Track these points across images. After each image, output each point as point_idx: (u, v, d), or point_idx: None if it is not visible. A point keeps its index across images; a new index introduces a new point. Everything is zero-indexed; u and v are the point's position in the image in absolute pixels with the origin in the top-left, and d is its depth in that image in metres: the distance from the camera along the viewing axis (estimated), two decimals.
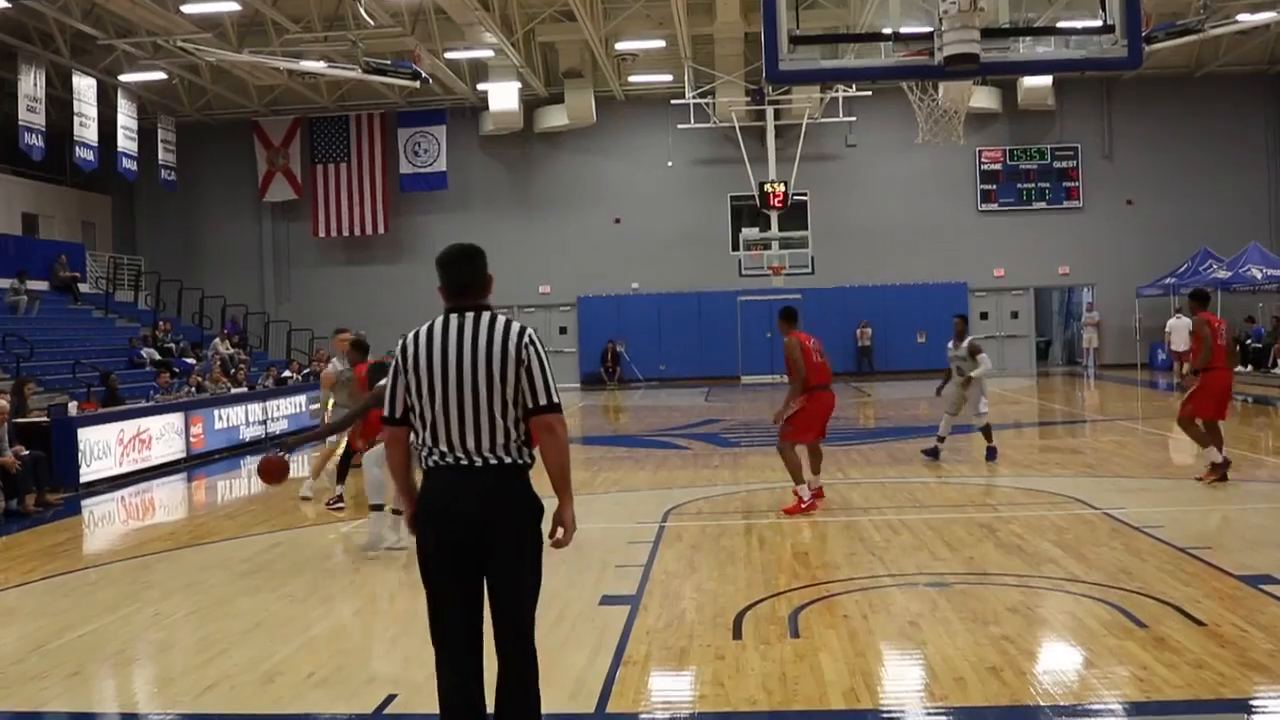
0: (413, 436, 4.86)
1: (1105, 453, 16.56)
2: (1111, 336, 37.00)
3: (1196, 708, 5.76)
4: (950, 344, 15.79)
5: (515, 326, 4.77)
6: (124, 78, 31.16)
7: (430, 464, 4.74)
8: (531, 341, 4.74)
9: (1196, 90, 36.53)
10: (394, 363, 4.86)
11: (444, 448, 4.70)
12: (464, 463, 4.68)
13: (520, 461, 4.72)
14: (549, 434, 4.76)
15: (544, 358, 4.75)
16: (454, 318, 4.79)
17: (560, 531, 4.87)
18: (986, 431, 15.42)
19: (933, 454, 15.69)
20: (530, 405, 4.71)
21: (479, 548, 4.69)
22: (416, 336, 4.81)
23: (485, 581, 4.78)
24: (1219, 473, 12.43)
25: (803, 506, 11.57)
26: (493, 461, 4.68)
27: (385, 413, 4.85)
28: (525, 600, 4.85)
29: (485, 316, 4.79)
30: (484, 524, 4.66)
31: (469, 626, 4.79)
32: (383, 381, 8.15)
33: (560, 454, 4.79)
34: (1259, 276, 30.36)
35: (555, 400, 4.72)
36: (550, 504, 4.83)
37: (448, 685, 4.86)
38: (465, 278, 4.88)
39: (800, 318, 12.53)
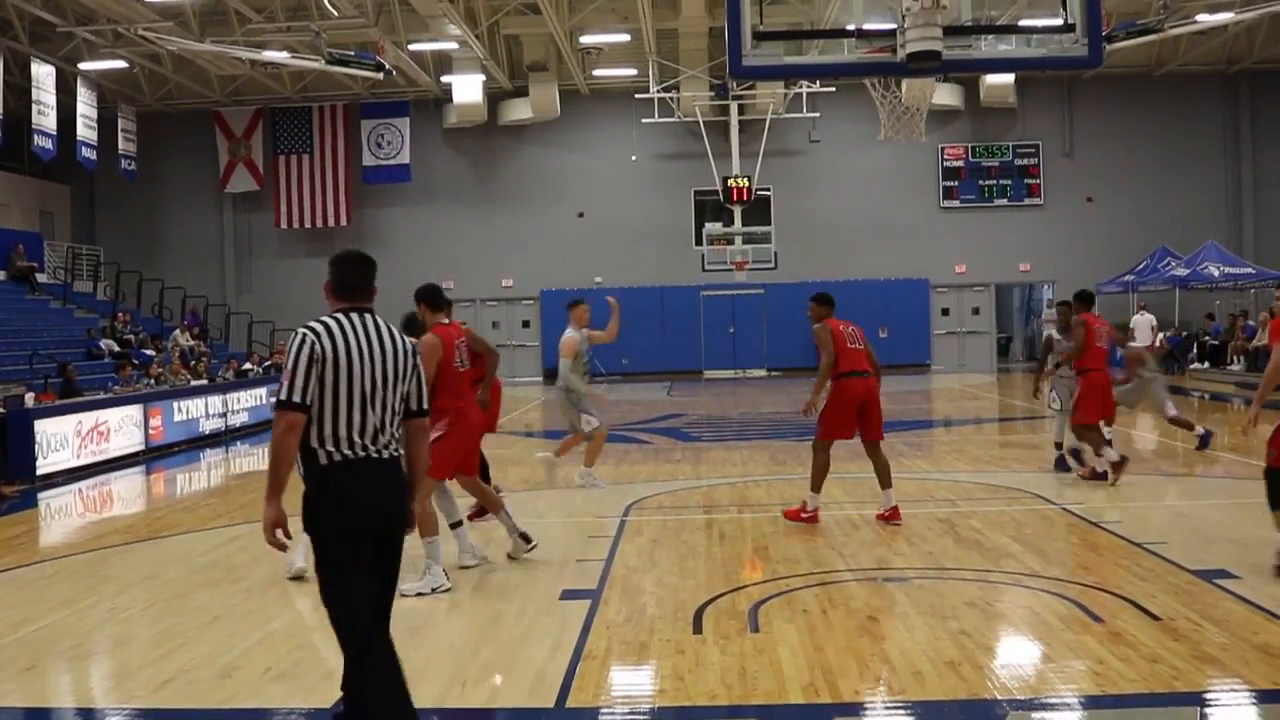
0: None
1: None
2: None
3: (1151, 701, 5.81)
4: (1055, 333, 14.35)
5: (400, 333, 5.24)
6: (84, 66, 30.85)
7: (338, 457, 4.94)
8: (415, 348, 5.28)
9: (1156, 89, 36.86)
10: (306, 351, 4.94)
11: (355, 438, 4.97)
12: (373, 455, 5.00)
13: (401, 454, 5.17)
14: (425, 435, 5.32)
15: (420, 365, 5.30)
16: (355, 316, 5.11)
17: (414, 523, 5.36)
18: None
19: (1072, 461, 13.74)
20: (414, 408, 5.21)
21: (381, 535, 5.04)
22: (329, 329, 5.01)
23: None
24: (1120, 471, 12.38)
25: (804, 516, 10.73)
26: (395, 454, 5.10)
27: (296, 398, 4.90)
28: (396, 585, 5.26)
29: (381, 320, 5.21)
30: (390, 512, 5.05)
31: (378, 608, 5.10)
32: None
33: (425, 455, 5.35)
34: (1216, 274, 30.71)
35: (429, 405, 5.32)
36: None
37: (372, 663, 5.05)
38: (359, 278, 5.24)
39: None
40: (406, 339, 5.24)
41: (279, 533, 4.98)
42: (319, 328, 5.00)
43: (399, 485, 5.09)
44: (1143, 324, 28.24)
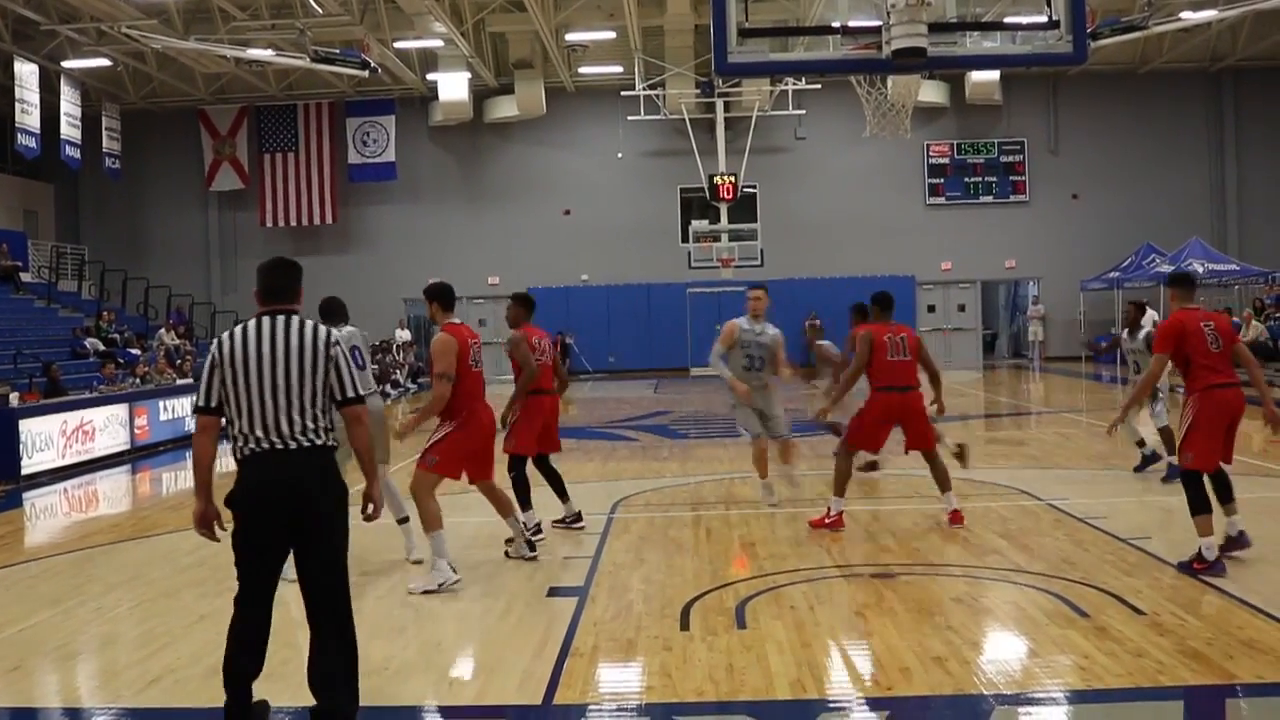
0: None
1: (1049, 445, 16.74)
2: (1057, 330, 37.38)
3: (1136, 695, 5.84)
4: (1124, 334, 13.58)
5: (323, 329, 5.52)
6: (67, 64, 30.72)
7: (247, 451, 5.36)
8: (336, 343, 5.51)
9: (1140, 86, 36.96)
10: (209, 358, 5.49)
11: (260, 433, 5.33)
12: (279, 446, 5.33)
13: (325, 444, 5.41)
14: (357, 423, 5.53)
15: (348, 358, 5.53)
16: (266, 320, 5.47)
17: (370, 507, 5.65)
18: (1165, 436, 12.69)
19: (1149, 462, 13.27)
20: (339, 398, 5.47)
21: (292, 525, 5.33)
22: (233, 335, 5.47)
23: (298, 557, 5.45)
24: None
25: (827, 522, 10.28)
26: (307, 444, 5.35)
27: (200, 402, 5.48)
28: (340, 574, 5.52)
29: (295, 319, 5.50)
30: (299, 501, 5.32)
31: (266, 593, 5.48)
32: None
33: (365, 439, 5.55)
34: (1201, 271, 30.77)
35: (361, 393, 5.55)
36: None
37: (238, 624, 5.50)
38: (279, 283, 5.59)
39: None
40: (321, 334, 5.49)
41: (215, 527, 5.53)
42: (224, 335, 5.48)
43: (311, 473, 5.36)
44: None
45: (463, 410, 8.73)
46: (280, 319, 5.47)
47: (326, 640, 5.46)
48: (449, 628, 7.69)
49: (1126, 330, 13.58)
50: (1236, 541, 8.54)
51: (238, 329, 5.47)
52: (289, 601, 8.25)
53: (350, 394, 5.48)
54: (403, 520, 9.45)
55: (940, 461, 10.56)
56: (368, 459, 5.58)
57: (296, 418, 5.34)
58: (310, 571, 5.44)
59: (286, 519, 5.32)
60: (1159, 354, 8.63)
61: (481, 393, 8.97)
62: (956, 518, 10.20)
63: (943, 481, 10.44)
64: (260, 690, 6.32)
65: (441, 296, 9.05)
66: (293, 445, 5.34)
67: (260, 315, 5.49)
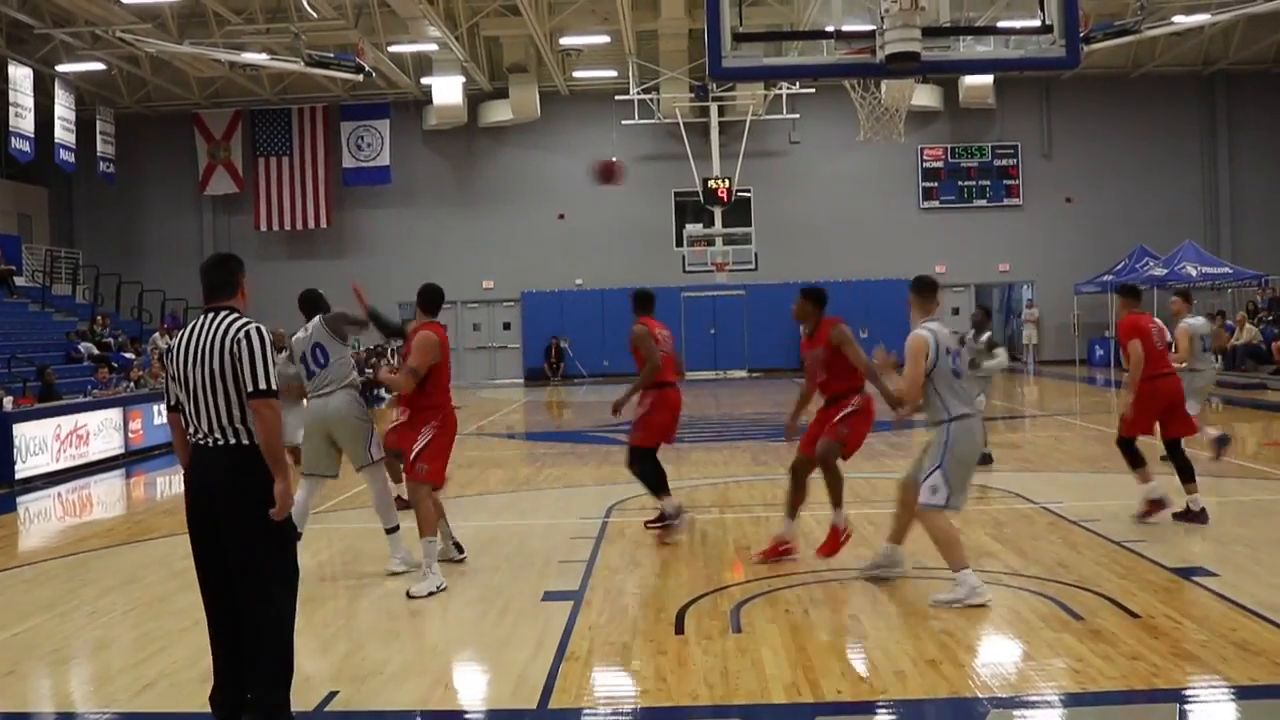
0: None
1: (1043, 448, 16.77)
2: (1050, 333, 37.44)
3: (1131, 698, 5.85)
4: (970, 335, 14.15)
5: (238, 323, 5.45)
6: (62, 68, 30.73)
7: (192, 446, 5.50)
8: (246, 336, 5.40)
9: (1133, 90, 37.03)
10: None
11: (193, 429, 5.46)
12: (204, 443, 5.42)
13: (245, 442, 5.40)
14: (257, 416, 5.39)
15: (258, 350, 5.39)
16: (201, 317, 5.53)
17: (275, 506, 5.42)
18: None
19: None
20: (248, 390, 5.37)
21: (216, 519, 5.39)
22: (178, 335, 5.62)
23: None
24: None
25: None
26: (222, 441, 5.39)
27: (167, 400, 5.70)
28: (261, 573, 5.43)
29: (220, 314, 5.50)
30: (215, 497, 5.37)
31: (220, 590, 5.49)
32: None
33: (268, 434, 5.37)
34: (1194, 274, 30.80)
35: (263, 386, 5.37)
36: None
37: (213, 628, 5.56)
38: (213, 280, 5.62)
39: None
40: (231, 329, 5.41)
41: None
42: (176, 333, 5.50)
43: (226, 471, 5.37)
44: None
45: (441, 409, 8.80)
46: (209, 315, 5.52)
47: (248, 644, 5.43)
48: (444, 632, 7.69)
49: (973, 331, 14.40)
50: (1197, 516, 10.11)
51: (184, 328, 5.61)
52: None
53: (251, 387, 5.35)
54: (391, 530, 9.36)
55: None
56: (272, 455, 5.38)
57: (213, 415, 5.38)
58: (213, 582, 5.50)
59: (207, 512, 5.41)
60: (1132, 343, 10.26)
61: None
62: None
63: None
64: None
65: (421, 299, 9.18)
66: (209, 443, 5.40)
67: (203, 312, 5.57)
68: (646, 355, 10.37)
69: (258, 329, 5.44)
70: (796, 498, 9.37)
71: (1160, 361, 10.44)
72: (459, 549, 9.46)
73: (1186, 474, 10.32)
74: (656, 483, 10.41)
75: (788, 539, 9.31)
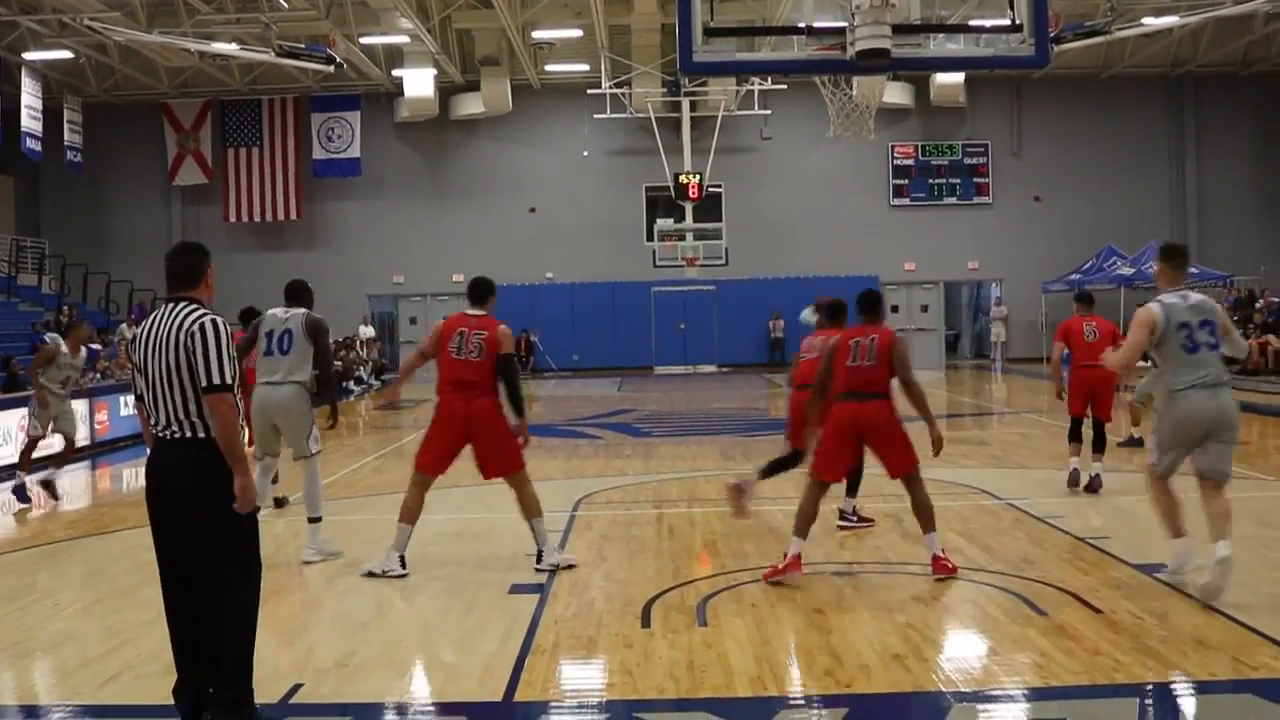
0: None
1: (1010, 445, 16.88)
2: (1018, 331, 37.65)
3: (1093, 692, 5.90)
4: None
5: (193, 315, 5.33)
6: (28, 56, 30.39)
7: (155, 439, 5.43)
8: (201, 329, 5.27)
9: (1103, 91, 37.28)
10: None
11: (154, 421, 5.39)
12: (163, 435, 5.35)
13: (202, 436, 5.29)
14: (213, 411, 5.25)
15: (212, 343, 5.26)
16: (162, 308, 5.46)
17: (236, 502, 5.30)
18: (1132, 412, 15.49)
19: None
20: (203, 384, 5.24)
21: (174, 512, 5.30)
22: (141, 326, 5.53)
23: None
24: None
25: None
26: (179, 435, 5.30)
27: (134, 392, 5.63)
28: (221, 567, 5.32)
29: (179, 305, 5.40)
30: (173, 490, 5.30)
31: (179, 585, 5.40)
32: None
33: (223, 428, 5.25)
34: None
35: (217, 381, 5.23)
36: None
37: (173, 622, 5.47)
38: (175, 270, 5.54)
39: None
40: (186, 321, 5.31)
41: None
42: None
43: (184, 465, 5.28)
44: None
45: (438, 400, 8.86)
46: (168, 306, 5.43)
47: (208, 643, 5.35)
48: (410, 625, 7.68)
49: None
50: (1090, 484, 11.82)
51: (146, 319, 5.53)
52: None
53: (205, 381, 5.23)
54: (314, 519, 9.54)
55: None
56: (230, 450, 5.25)
57: (170, 408, 5.30)
58: (171, 576, 5.42)
59: (165, 506, 5.34)
60: (1056, 342, 12.58)
61: (455, 380, 8.77)
62: (940, 566, 8.35)
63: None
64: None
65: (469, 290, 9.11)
66: (167, 436, 5.33)
67: (165, 303, 5.50)
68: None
69: (213, 321, 5.32)
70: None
71: (1088, 354, 11.99)
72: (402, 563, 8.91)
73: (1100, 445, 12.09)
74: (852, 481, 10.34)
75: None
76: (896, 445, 8.56)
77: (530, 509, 8.97)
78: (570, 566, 8.86)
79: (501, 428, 8.78)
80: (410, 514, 8.77)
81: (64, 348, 13.54)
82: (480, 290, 9.02)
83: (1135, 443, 14.85)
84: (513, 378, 8.90)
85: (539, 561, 8.91)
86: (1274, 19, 30.70)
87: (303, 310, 9.72)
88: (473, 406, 8.70)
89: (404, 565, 8.73)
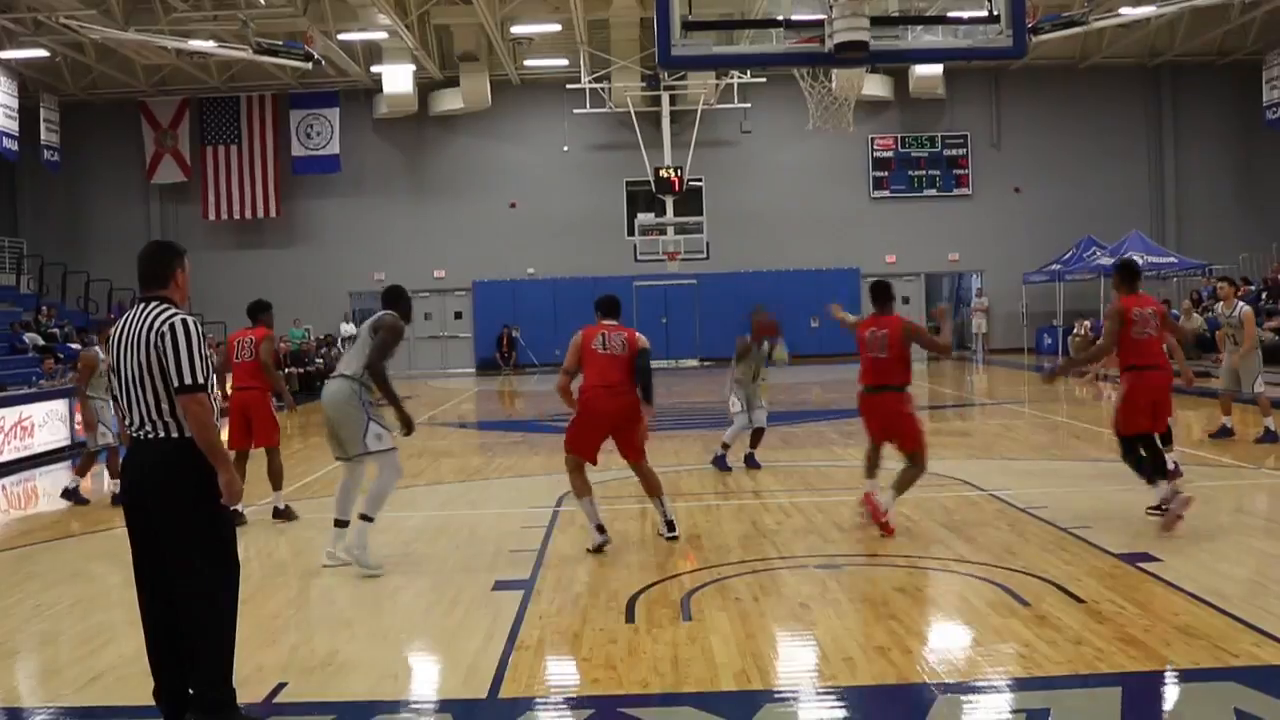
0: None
1: (992, 435, 16.91)
2: (1000, 322, 37.77)
3: (1076, 682, 5.91)
4: (1220, 307, 14.45)
5: (164, 315, 5.31)
6: (4, 55, 30.18)
7: (130, 436, 5.42)
8: (171, 329, 5.25)
9: (1081, 81, 37.40)
10: None
11: (128, 421, 5.38)
12: (138, 435, 5.33)
13: (175, 435, 5.28)
14: (186, 411, 5.25)
15: (183, 343, 5.24)
16: (134, 308, 5.45)
17: (224, 497, 5.32)
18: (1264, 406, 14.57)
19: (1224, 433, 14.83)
20: (174, 385, 5.22)
21: (149, 512, 5.28)
22: (115, 326, 5.51)
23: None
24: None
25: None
26: (153, 435, 5.29)
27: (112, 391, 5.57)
28: (197, 567, 5.28)
29: (150, 305, 5.38)
30: (145, 491, 5.28)
31: (154, 584, 5.37)
32: None
33: (200, 429, 5.24)
34: (1141, 263, 31.09)
35: (188, 381, 5.22)
36: None
37: (149, 623, 5.47)
38: (146, 269, 5.50)
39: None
40: (158, 320, 5.28)
41: None
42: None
43: (158, 465, 5.26)
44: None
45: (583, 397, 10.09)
46: (140, 306, 5.42)
47: (186, 648, 5.34)
48: (394, 622, 7.66)
49: (1221, 304, 15.38)
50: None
51: (120, 319, 5.51)
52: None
53: (177, 381, 5.22)
54: (340, 523, 9.17)
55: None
56: (208, 448, 5.25)
57: (144, 408, 5.27)
58: (147, 576, 5.38)
59: (138, 505, 5.31)
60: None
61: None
62: (875, 514, 9.70)
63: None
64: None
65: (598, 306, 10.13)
66: (142, 436, 5.31)
67: (136, 302, 5.50)
68: (1106, 333, 9.78)
69: (183, 321, 5.29)
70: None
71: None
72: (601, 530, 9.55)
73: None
74: (1152, 469, 9.63)
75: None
76: (907, 432, 9.77)
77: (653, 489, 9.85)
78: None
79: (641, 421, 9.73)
80: (585, 489, 9.54)
81: (101, 354, 12.97)
82: (611, 305, 10.05)
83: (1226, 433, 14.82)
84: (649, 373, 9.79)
85: (670, 530, 9.73)
86: (1249, 8, 30.80)
87: (388, 313, 9.39)
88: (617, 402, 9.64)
89: (603, 531, 9.36)
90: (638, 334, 9.76)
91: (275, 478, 11.34)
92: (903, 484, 9.70)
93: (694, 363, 37.23)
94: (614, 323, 9.88)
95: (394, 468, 9.10)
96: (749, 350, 13.86)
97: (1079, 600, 7.33)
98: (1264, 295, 28.09)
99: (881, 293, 10.04)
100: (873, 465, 10.12)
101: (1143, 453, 9.68)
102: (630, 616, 7.36)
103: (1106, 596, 7.40)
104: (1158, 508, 9.48)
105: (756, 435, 13.98)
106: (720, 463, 13.74)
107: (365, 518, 8.92)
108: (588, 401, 9.74)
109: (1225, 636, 6.48)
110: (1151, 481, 9.49)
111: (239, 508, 11.35)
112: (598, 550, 9.23)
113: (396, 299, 9.58)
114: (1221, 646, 6.30)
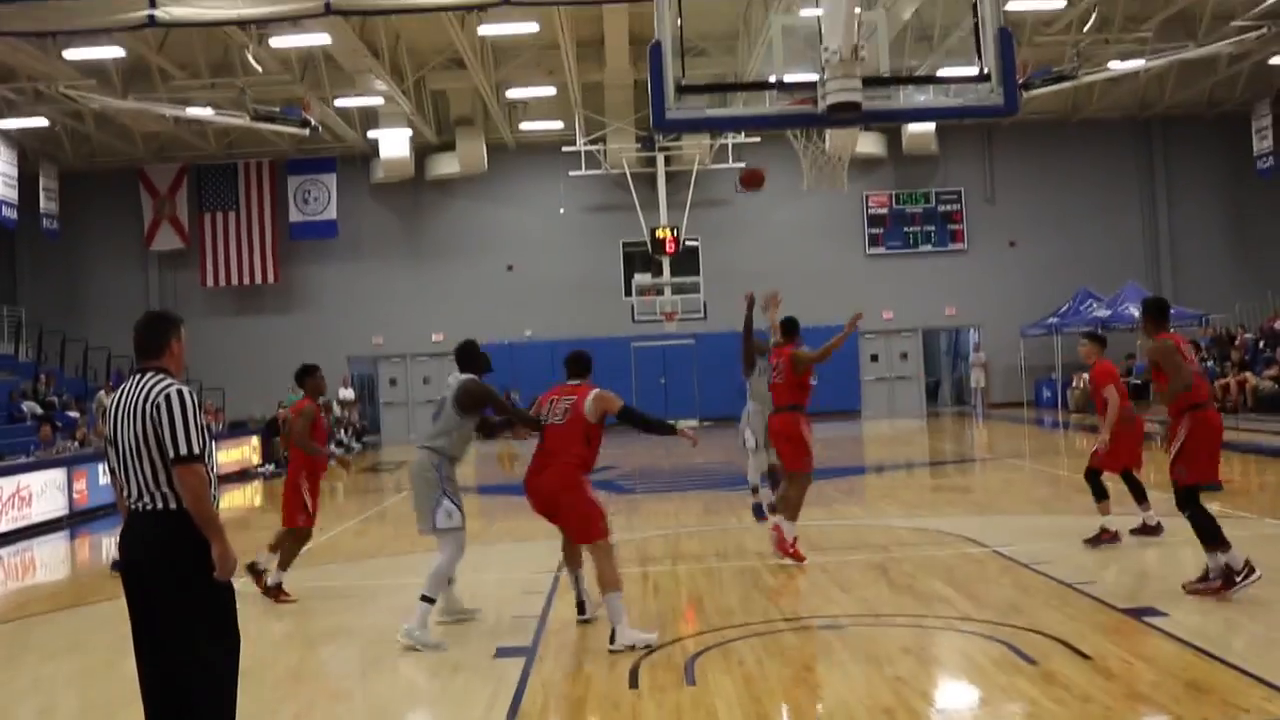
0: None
1: (994, 491, 16.87)
2: (998, 376, 37.75)
3: None
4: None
5: (159, 386, 5.26)
6: (3, 124, 30.39)
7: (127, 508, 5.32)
8: (167, 399, 5.19)
9: (1072, 135, 37.63)
10: None
11: (125, 493, 5.28)
12: (135, 507, 5.24)
13: (173, 507, 5.18)
14: (181, 483, 5.15)
15: (179, 413, 5.17)
16: (131, 379, 5.40)
17: (216, 570, 5.19)
18: None
19: None
20: (170, 455, 5.14)
21: (146, 585, 5.17)
22: (112, 397, 5.46)
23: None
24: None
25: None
26: (150, 506, 5.19)
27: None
28: (195, 640, 5.17)
29: (146, 376, 5.34)
30: (144, 564, 5.19)
31: (158, 654, 5.20)
32: None
33: (195, 500, 5.15)
34: (1137, 314, 31.17)
35: (184, 452, 5.13)
36: None
37: (148, 695, 5.32)
38: (141, 339, 5.48)
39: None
40: (153, 391, 5.23)
41: None
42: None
43: (154, 537, 5.18)
44: None
45: None
46: (137, 377, 5.37)
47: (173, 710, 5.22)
48: (395, 692, 7.60)
49: None
50: (1154, 530, 11.28)
51: (118, 390, 5.46)
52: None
53: (173, 452, 5.14)
54: (425, 599, 8.69)
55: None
56: (203, 520, 5.14)
57: (141, 479, 5.20)
58: (146, 649, 5.24)
59: (138, 583, 5.22)
60: (1108, 388, 11.39)
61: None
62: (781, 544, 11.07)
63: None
64: None
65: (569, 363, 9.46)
66: (139, 508, 5.23)
67: (134, 373, 5.45)
68: (1172, 371, 8.98)
69: (179, 391, 5.24)
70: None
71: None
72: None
73: (1139, 494, 11.46)
74: (1212, 533, 8.85)
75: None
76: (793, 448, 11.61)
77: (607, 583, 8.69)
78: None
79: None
80: (575, 561, 9.27)
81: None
82: (576, 362, 9.44)
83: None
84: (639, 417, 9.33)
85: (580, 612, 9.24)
86: (1237, 60, 31.09)
87: (467, 377, 9.29)
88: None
89: (582, 610, 9.13)
90: (591, 392, 9.05)
91: (276, 549, 11.07)
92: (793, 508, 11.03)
93: (694, 423, 37.07)
94: (576, 383, 9.20)
95: (457, 546, 8.97)
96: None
97: (1085, 657, 7.27)
98: (1260, 344, 28.15)
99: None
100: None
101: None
102: (634, 681, 7.30)
103: (1113, 652, 7.34)
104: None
105: (775, 477, 13.39)
106: (758, 511, 13.47)
107: (426, 599, 8.66)
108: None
109: (1235, 691, 6.42)
110: (1223, 547, 8.68)
111: (263, 567, 11.11)
112: (586, 622, 9.01)
113: (472, 358, 9.41)
114: (1231, 702, 6.25)
